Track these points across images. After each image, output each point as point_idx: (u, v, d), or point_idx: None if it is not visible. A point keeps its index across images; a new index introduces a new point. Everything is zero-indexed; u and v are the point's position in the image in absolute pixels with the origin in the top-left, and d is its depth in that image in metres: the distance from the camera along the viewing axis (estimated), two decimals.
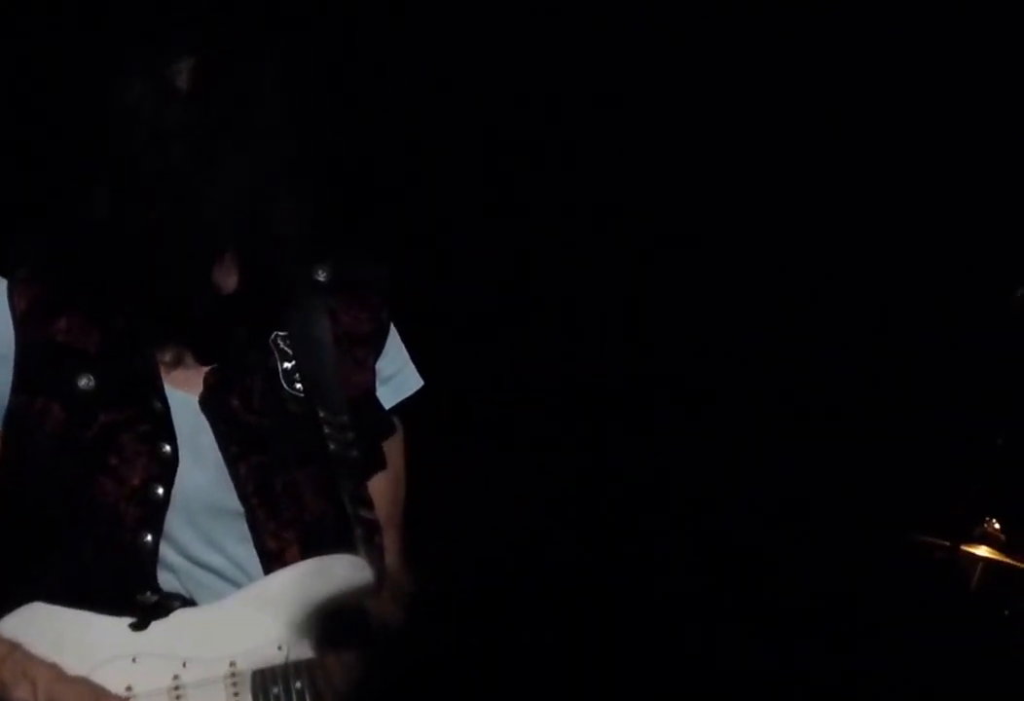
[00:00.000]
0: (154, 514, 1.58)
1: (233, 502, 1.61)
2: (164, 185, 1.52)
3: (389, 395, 1.72)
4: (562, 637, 0.76)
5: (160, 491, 1.59)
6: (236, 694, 1.59)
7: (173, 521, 1.59)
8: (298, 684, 1.55)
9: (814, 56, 7.37)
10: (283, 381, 1.63)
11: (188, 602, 1.59)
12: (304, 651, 1.58)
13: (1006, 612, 3.54)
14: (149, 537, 1.58)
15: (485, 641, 0.79)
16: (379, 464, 1.69)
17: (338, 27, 6.73)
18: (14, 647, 1.54)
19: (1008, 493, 4.34)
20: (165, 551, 1.59)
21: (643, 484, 0.98)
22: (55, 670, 1.54)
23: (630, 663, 0.78)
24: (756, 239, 7.48)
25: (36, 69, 2.66)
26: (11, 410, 1.58)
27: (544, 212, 8.22)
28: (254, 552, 1.61)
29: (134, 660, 1.57)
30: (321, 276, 1.66)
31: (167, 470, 1.59)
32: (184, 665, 1.57)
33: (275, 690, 1.56)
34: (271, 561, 1.61)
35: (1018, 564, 3.74)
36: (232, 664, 1.58)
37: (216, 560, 1.61)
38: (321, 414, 1.62)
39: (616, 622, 0.82)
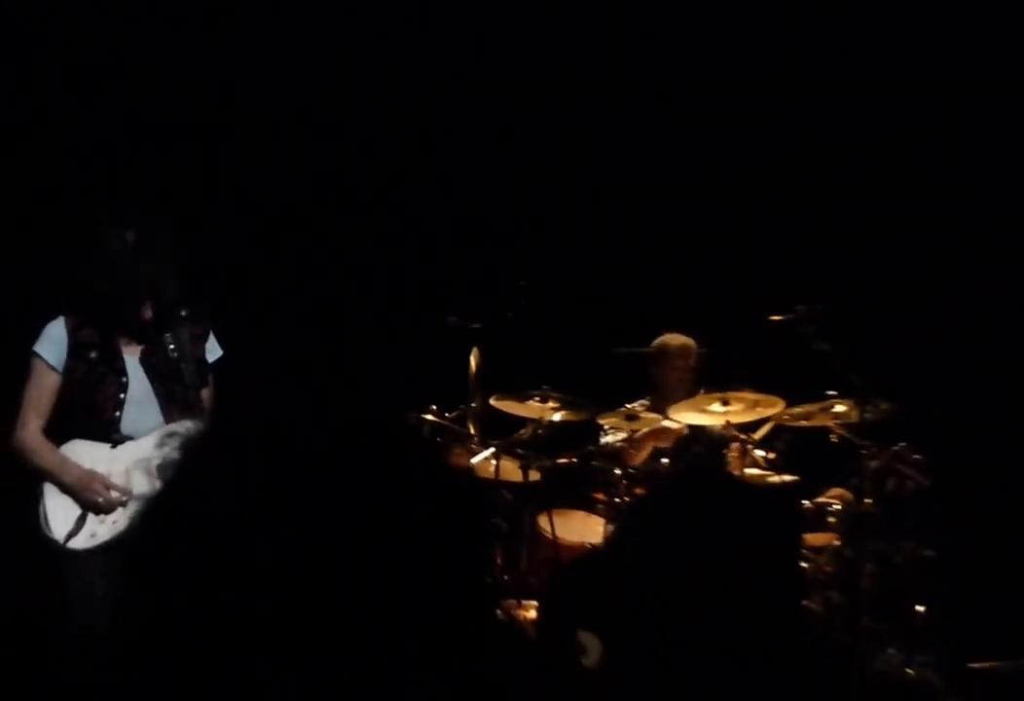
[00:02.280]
0: (118, 405, 3.59)
1: (151, 398, 3.61)
2: (124, 276, 3.51)
3: (209, 358, 3.74)
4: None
5: (121, 395, 3.60)
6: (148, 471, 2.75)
7: (127, 407, 3.58)
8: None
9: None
10: (169, 351, 3.66)
11: (130, 438, 3.58)
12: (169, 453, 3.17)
13: None
14: (117, 413, 3.59)
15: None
16: (204, 385, 3.71)
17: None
18: (66, 459, 3.56)
19: None
20: (124, 419, 3.57)
21: None
22: (80, 467, 3.54)
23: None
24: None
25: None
26: (65, 367, 3.60)
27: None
28: (161, 419, 3.61)
29: (111, 460, 3.56)
30: (183, 312, 3.66)
31: (123, 387, 3.60)
32: (131, 461, 3.54)
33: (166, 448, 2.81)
34: (168, 422, 3.63)
35: None
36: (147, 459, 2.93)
37: (144, 422, 3.57)
38: (183, 364, 3.65)
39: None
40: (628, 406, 4.89)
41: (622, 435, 4.86)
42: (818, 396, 4.52)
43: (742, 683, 1.69)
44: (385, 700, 1.08)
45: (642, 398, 5.07)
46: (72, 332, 3.56)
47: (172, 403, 3.59)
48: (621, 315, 6.17)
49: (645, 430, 4.76)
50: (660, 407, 4.76)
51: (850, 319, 4.64)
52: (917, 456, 4.38)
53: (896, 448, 4.33)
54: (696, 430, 4.65)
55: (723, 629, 1.65)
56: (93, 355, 3.58)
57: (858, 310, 5.23)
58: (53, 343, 3.56)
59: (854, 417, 4.36)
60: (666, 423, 4.69)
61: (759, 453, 4.58)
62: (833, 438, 4.48)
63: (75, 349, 3.56)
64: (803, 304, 4.42)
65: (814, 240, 6.54)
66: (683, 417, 4.61)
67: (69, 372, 3.54)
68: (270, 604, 1.04)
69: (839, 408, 4.42)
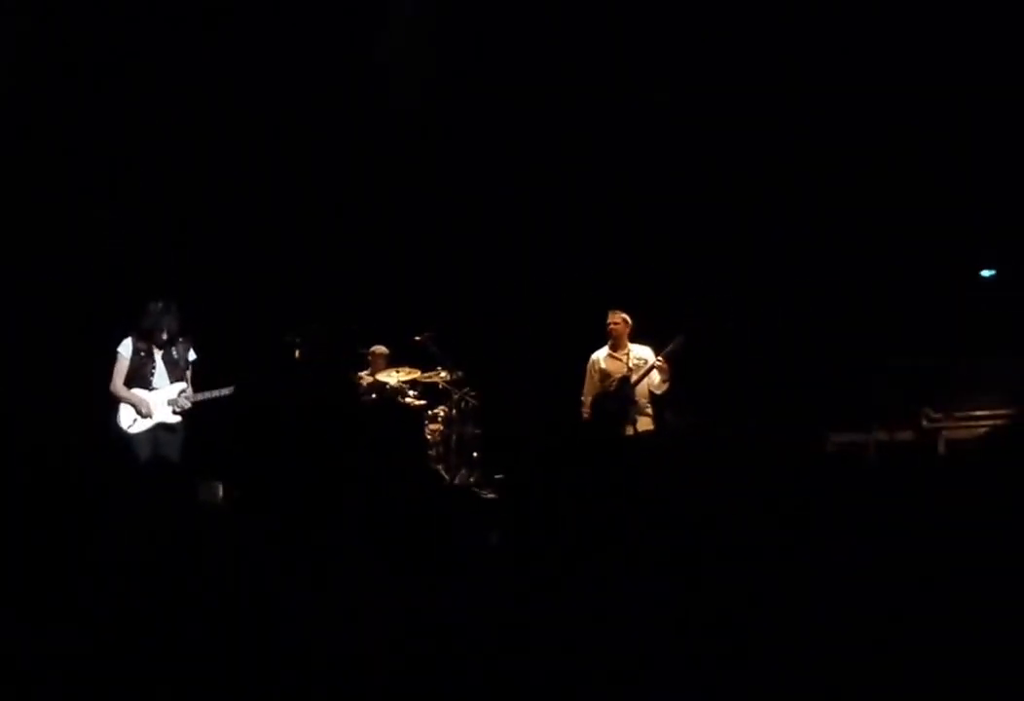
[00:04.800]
0: (151, 374, 8.02)
1: (164, 373, 8.05)
2: (154, 325, 7.97)
3: (190, 358, 8.06)
4: None
5: (153, 371, 8.03)
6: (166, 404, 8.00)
7: (155, 377, 8.02)
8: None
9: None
10: (174, 354, 8.02)
11: (156, 389, 8.00)
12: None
13: None
14: (151, 378, 8.01)
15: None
16: (187, 369, 8.03)
17: None
18: (132, 393, 8.01)
19: None
20: (153, 381, 8.01)
21: None
22: (137, 396, 7.97)
23: None
24: None
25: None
26: (130, 358, 8.04)
27: None
28: (168, 383, 8.03)
29: (148, 396, 8.00)
30: (180, 338, 7.98)
31: (153, 368, 8.04)
32: (156, 398, 8.00)
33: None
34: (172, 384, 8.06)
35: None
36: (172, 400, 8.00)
37: (162, 383, 8.03)
38: (180, 362, 8.01)
39: None
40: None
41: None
42: (433, 369, 10.29)
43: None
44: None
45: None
46: (133, 343, 7.87)
47: (173, 377, 7.81)
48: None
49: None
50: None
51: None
52: (472, 395, 10.25)
53: (465, 390, 10.23)
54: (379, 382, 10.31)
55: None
56: (142, 354, 7.87)
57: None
58: (125, 348, 7.85)
59: (448, 378, 10.22)
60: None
61: (411, 393, 10.36)
62: (440, 386, 10.33)
63: (134, 351, 7.87)
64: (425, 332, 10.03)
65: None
66: (383, 376, 10.37)
67: (131, 361, 7.88)
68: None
69: (443, 374, 10.25)
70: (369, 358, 10.17)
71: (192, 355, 8.08)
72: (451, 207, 10.05)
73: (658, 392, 8.64)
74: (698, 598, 1.98)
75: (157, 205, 9.71)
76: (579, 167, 9.78)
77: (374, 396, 9.90)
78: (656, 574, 1.97)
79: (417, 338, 9.78)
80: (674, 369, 8.56)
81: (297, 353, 8.61)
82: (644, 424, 8.58)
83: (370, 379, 10.12)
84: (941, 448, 7.40)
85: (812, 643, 1.82)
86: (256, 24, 9.24)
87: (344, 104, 9.80)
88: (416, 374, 10.04)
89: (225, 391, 7.92)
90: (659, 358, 8.48)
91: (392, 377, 10.01)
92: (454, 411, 9.98)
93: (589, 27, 8.99)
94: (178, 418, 7.94)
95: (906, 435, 7.82)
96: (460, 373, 9.97)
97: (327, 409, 8.35)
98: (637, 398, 8.61)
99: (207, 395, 7.96)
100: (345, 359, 9.53)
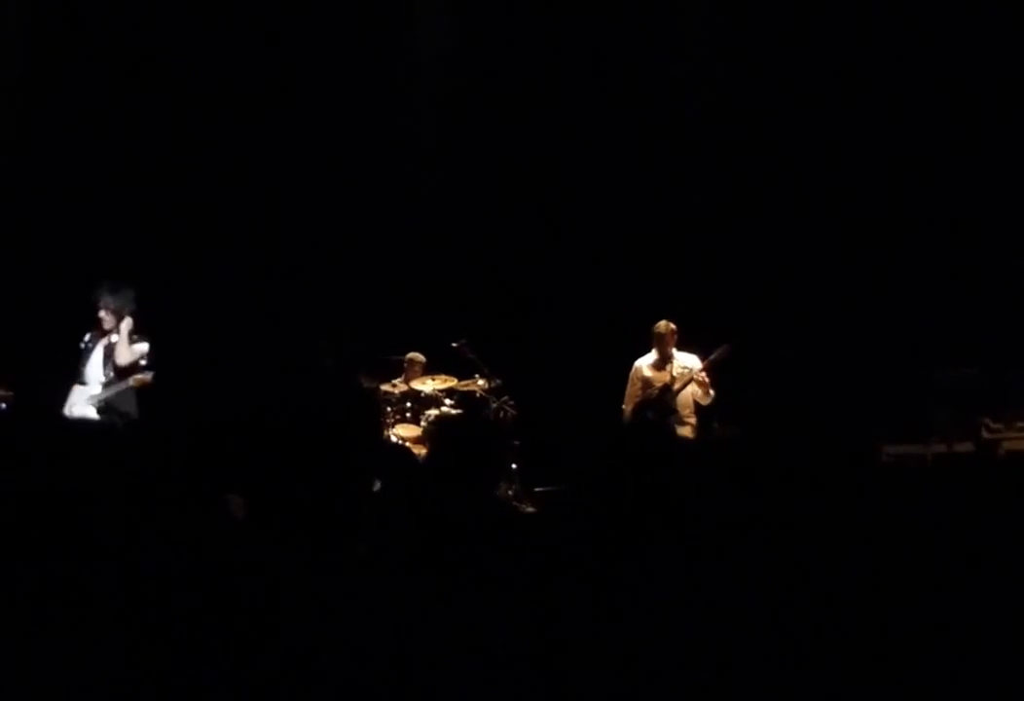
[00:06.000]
0: (83, 369, 7.64)
1: (98, 369, 7.62)
2: (102, 309, 7.60)
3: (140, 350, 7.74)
4: None
5: (87, 364, 7.70)
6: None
7: (88, 371, 7.62)
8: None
9: None
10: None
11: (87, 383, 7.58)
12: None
13: None
14: (84, 372, 7.63)
15: None
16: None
17: None
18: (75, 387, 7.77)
19: None
20: (87, 374, 7.62)
21: None
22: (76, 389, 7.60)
23: None
24: None
25: None
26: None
27: None
28: (101, 377, 7.58)
29: (76, 393, 7.61)
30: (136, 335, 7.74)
31: (88, 362, 7.70)
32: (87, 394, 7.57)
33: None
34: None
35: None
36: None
37: (94, 378, 7.57)
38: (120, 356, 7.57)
39: None
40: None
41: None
42: (470, 377, 10.08)
43: None
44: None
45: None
46: (89, 333, 7.55)
47: (108, 370, 7.20)
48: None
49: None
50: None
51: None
52: (511, 404, 9.99)
53: (503, 399, 9.99)
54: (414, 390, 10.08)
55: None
56: (88, 344, 7.46)
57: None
58: (84, 343, 7.54)
59: (486, 386, 9.99)
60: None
61: (447, 401, 10.09)
62: (478, 395, 10.09)
63: (86, 342, 7.51)
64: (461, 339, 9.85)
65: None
66: (417, 384, 10.07)
67: (81, 352, 7.53)
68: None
69: (481, 382, 10.01)
70: (405, 365, 9.94)
71: (139, 348, 7.49)
72: (493, 212, 9.99)
73: (704, 403, 8.50)
74: (748, 608, 1.97)
75: (194, 211, 9.74)
76: (623, 173, 9.79)
77: (452, 407, 9.65)
78: (704, 584, 1.96)
79: (454, 345, 9.56)
80: (718, 378, 8.48)
81: (322, 360, 8.44)
82: (685, 434, 8.42)
83: (404, 387, 9.89)
84: (1000, 458, 7.35)
85: (872, 654, 1.81)
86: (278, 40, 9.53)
87: (380, 107, 9.90)
88: (453, 382, 9.82)
89: (131, 382, 7.29)
90: (701, 371, 8.36)
91: (427, 385, 9.81)
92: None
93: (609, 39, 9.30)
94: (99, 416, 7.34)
95: (965, 446, 7.74)
96: (498, 381, 9.73)
97: (348, 417, 8.04)
98: (678, 408, 8.46)
99: (111, 391, 7.39)
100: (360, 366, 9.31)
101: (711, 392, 8.46)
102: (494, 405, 9.70)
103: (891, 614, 1.91)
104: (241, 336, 9.10)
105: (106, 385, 7.38)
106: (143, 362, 7.40)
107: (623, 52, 9.60)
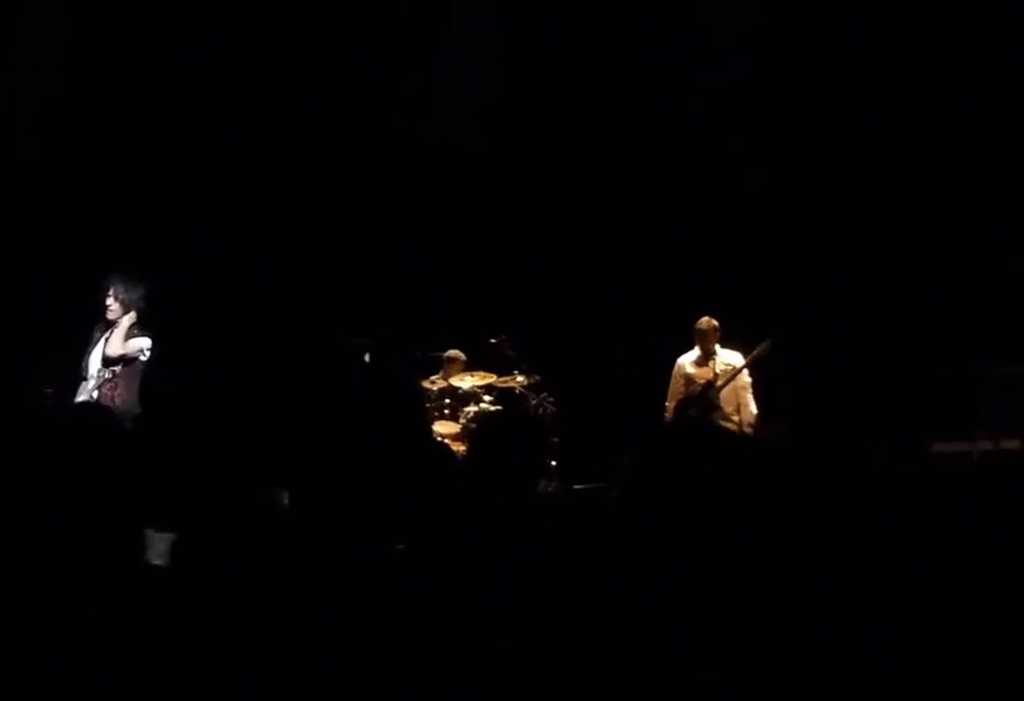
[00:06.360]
0: (84, 365, 7.09)
1: (96, 365, 7.05)
2: (106, 298, 7.17)
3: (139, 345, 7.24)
4: None
5: (88, 360, 7.11)
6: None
7: (89, 367, 7.05)
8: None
9: None
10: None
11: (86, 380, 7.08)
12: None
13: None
14: (85, 368, 7.05)
15: None
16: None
17: None
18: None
19: None
20: (88, 371, 7.04)
21: None
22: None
23: None
24: None
25: None
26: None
27: None
28: (95, 373, 7.02)
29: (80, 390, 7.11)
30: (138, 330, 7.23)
31: (89, 358, 7.16)
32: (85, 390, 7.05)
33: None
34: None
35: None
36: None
37: (91, 374, 7.04)
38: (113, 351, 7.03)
39: None
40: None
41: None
42: (509, 373, 10.01)
43: None
44: None
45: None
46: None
47: (104, 365, 6.79)
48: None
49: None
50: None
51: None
52: (550, 400, 9.92)
53: (542, 396, 9.91)
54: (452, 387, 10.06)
55: None
56: (95, 338, 6.98)
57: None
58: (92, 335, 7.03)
59: (525, 383, 9.92)
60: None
61: (486, 398, 10.06)
62: (517, 391, 10.04)
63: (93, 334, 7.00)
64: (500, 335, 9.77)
65: None
66: (456, 380, 10.04)
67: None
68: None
69: (520, 378, 9.95)
70: (443, 362, 9.88)
71: (136, 343, 6.95)
72: (534, 208, 9.96)
73: (745, 418, 8.43)
74: (796, 607, 1.96)
75: (235, 206, 9.74)
76: (667, 167, 9.74)
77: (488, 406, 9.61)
78: (756, 581, 1.94)
79: (492, 341, 9.49)
80: (760, 376, 8.42)
81: (364, 356, 8.39)
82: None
83: (442, 383, 9.83)
84: None
85: (923, 654, 1.82)
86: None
87: (423, 107, 9.88)
88: (492, 378, 9.75)
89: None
90: (743, 367, 8.27)
91: (466, 381, 9.75)
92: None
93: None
94: None
95: (1012, 444, 7.50)
96: (537, 378, 9.65)
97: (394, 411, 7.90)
98: (721, 405, 8.39)
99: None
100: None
101: (753, 408, 8.39)
102: (533, 401, 9.61)
103: (941, 613, 1.91)
104: (281, 332, 9.00)
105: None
106: (143, 357, 6.91)
107: (666, 45, 9.50)
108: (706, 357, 8.67)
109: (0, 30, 9.10)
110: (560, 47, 9.38)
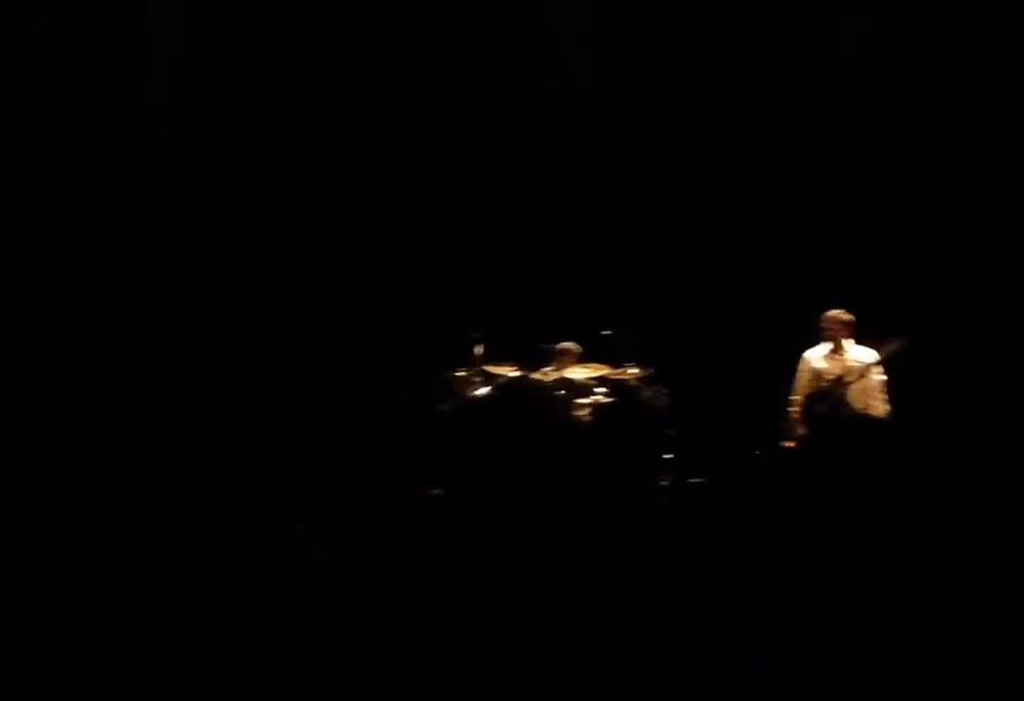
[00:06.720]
0: None
1: None
2: None
3: None
4: None
5: None
6: None
7: None
8: None
9: None
10: None
11: None
12: None
13: None
14: None
15: None
16: None
17: None
18: None
19: None
20: None
21: None
22: None
23: None
24: None
25: None
26: None
27: None
28: None
29: None
30: None
31: None
32: None
33: None
34: None
35: None
36: None
37: None
38: None
39: None
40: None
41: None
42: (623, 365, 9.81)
43: None
44: None
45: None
46: None
47: None
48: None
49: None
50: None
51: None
52: (665, 393, 9.70)
53: (656, 388, 9.68)
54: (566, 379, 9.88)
55: None
56: None
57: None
58: None
59: (640, 374, 9.72)
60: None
61: (599, 390, 9.86)
62: (630, 383, 9.82)
63: None
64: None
65: None
66: (569, 372, 9.89)
67: None
68: None
69: (631, 370, 9.74)
70: (558, 354, 9.76)
71: None
72: (653, 199, 9.87)
73: (878, 414, 8.23)
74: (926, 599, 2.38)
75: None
76: (791, 155, 9.57)
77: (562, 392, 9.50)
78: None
79: (606, 333, 9.32)
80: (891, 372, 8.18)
81: (478, 349, 8.39)
82: None
83: (556, 375, 9.71)
84: None
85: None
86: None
87: (531, 92, 9.90)
88: (605, 370, 9.58)
89: None
90: (877, 364, 8.01)
91: (579, 373, 9.60)
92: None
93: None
94: None
95: None
96: (651, 370, 9.46)
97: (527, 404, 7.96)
98: (851, 401, 8.21)
99: None
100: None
101: (884, 407, 8.18)
102: (647, 394, 9.42)
103: None
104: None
105: None
106: None
107: (767, 27, 9.47)
108: (836, 351, 8.46)
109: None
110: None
